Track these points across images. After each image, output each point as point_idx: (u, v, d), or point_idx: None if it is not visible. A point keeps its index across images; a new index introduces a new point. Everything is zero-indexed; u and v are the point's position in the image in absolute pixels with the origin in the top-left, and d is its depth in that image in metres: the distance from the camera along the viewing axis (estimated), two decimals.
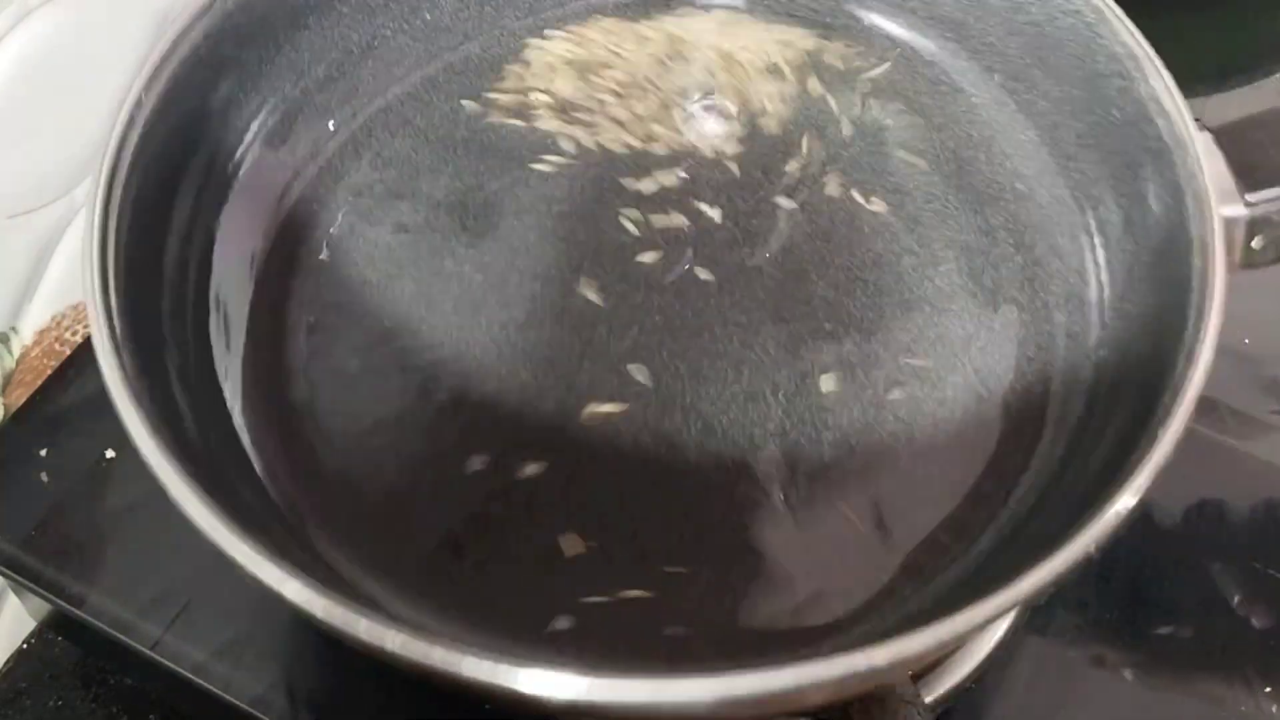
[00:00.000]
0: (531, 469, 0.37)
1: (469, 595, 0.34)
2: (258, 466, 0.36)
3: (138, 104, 0.36)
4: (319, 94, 0.44)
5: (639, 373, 0.39)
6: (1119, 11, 0.39)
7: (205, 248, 0.39)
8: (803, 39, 0.47)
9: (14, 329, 0.44)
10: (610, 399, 0.38)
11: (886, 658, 0.26)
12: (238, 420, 0.37)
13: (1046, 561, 0.28)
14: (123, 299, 0.33)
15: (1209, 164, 0.35)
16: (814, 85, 0.46)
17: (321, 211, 0.42)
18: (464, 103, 0.45)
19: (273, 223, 0.42)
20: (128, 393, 0.31)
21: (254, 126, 0.42)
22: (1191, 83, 0.55)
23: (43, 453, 0.41)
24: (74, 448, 0.41)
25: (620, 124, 0.45)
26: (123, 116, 0.36)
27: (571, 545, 0.35)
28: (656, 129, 0.45)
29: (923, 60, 0.46)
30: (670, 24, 0.47)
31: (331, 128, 0.44)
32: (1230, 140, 0.37)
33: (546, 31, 0.47)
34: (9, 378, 0.44)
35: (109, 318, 0.32)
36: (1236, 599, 0.40)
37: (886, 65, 0.46)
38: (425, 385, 0.38)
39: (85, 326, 0.46)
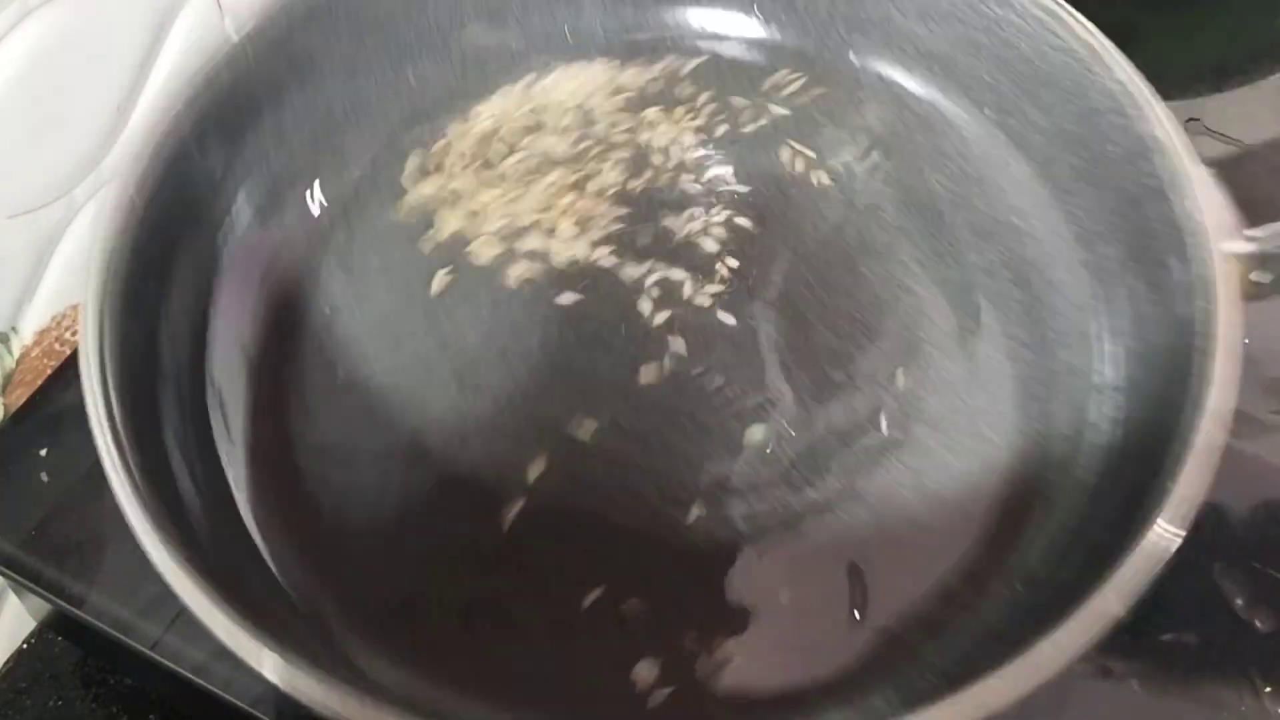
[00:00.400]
0: (540, 537, 0.36)
1: (485, 669, 0.34)
2: (264, 552, 0.36)
3: (135, 186, 0.36)
4: (302, 164, 0.43)
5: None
6: (1111, 46, 0.39)
7: (199, 332, 0.39)
8: (791, 79, 0.46)
9: (14, 329, 0.44)
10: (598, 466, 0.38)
11: None
12: (243, 507, 0.37)
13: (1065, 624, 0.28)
14: (122, 392, 0.33)
15: (1209, 200, 0.35)
16: (806, 125, 0.45)
17: (312, 286, 0.42)
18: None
19: (263, 300, 0.41)
20: (135, 497, 0.31)
21: (239, 201, 0.41)
22: (1191, 83, 0.55)
23: (43, 453, 0.41)
24: (74, 448, 0.41)
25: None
26: (116, 199, 0.35)
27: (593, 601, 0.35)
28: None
29: (913, 97, 0.45)
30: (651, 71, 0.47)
31: (316, 200, 0.43)
32: (1230, 174, 0.36)
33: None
34: (9, 378, 0.44)
35: (110, 415, 0.32)
36: (1239, 602, 0.40)
37: (876, 104, 0.45)
38: (428, 458, 0.38)
39: None
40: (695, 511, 0.37)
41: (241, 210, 0.41)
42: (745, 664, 0.35)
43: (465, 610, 0.35)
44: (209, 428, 0.38)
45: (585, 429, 0.38)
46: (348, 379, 0.40)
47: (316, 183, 0.43)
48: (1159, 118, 0.37)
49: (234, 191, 0.41)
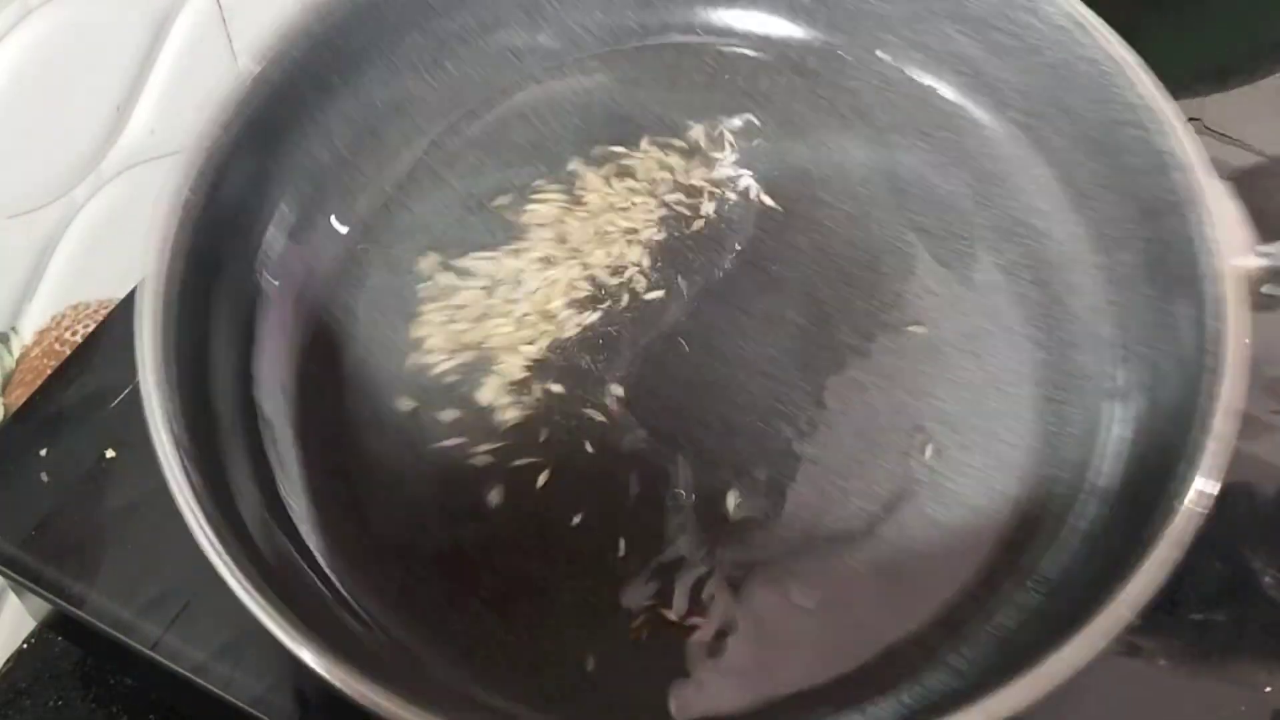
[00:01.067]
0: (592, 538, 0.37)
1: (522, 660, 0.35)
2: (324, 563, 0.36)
3: (187, 196, 0.36)
4: (342, 182, 0.43)
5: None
6: (1136, 61, 0.39)
7: (245, 353, 0.39)
8: (817, 75, 0.46)
9: (14, 329, 0.44)
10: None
11: None
12: (305, 531, 0.37)
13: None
14: (180, 405, 0.33)
15: (1225, 215, 0.36)
16: (832, 121, 0.45)
17: (353, 299, 0.42)
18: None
19: (306, 316, 0.41)
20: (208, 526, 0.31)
21: (278, 218, 0.41)
22: (1191, 83, 0.55)
23: (43, 453, 0.41)
24: (74, 448, 0.41)
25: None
26: (167, 213, 0.35)
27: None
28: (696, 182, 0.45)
29: (938, 97, 0.46)
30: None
31: (342, 223, 0.43)
32: (1246, 189, 0.37)
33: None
34: (9, 378, 0.44)
35: (172, 434, 0.32)
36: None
37: (903, 103, 0.46)
38: (480, 477, 0.38)
39: (85, 326, 0.46)
40: (732, 499, 0.37)
41: (283, 218, 0.41)
42: (763, 664, 0.35)
43: (503, 597, 0.36)
44: (265, 457, 0.38)
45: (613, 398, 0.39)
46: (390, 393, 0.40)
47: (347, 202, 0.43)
48: (1179, 134, 0.37)
49: (272, 207, 0.41)
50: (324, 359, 0.40)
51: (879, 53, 0.46)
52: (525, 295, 0.42)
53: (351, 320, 0.41)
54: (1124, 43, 0.39)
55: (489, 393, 0.40)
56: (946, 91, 0.45)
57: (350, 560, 0.36)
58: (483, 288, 0.42)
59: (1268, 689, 0.38)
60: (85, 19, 0.41)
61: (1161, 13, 0.58)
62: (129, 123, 0.45)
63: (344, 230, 0.43)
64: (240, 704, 0.36)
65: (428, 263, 0.42)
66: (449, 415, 0.39)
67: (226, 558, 0.30)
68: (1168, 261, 0.37)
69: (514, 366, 0.40)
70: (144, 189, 0.46)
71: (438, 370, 0.40)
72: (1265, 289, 0.36)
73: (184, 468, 0.31)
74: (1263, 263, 0.35)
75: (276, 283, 0.41)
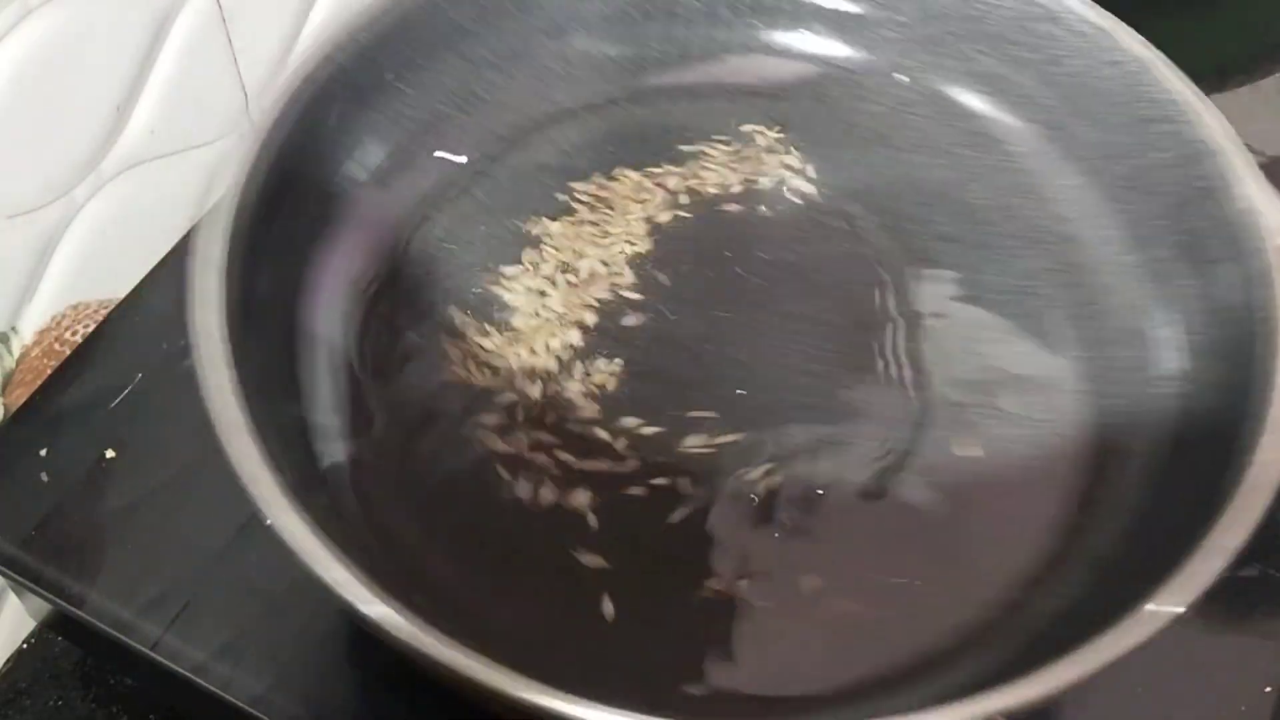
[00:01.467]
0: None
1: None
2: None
3: (273, 123, 0.37)
4: (430, 133, 0.43)
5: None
6: (1163, 57, 0.39)
7: (296, 285, 0.39)
8: (840, 94, 0.47)
9: (14, 329, 0.44)
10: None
11: None
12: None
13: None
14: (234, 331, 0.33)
15: (1262, 197, 0.36)
16: (857, 139, 0.46)
17: (424, 263, 0.42)
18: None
19: (376, 258, 0.41)
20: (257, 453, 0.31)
21: (359, 159, 0.42)
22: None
23: (43, 453, 0.41)
24: (74, 448, 0.41)
25: None
26: (245, 154, 0.36)
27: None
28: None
29: (963, 112, 0.46)
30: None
31: (440, 163, 0.43)
32: (1276, 172, 0.37)
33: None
34: (9, 378, 0.44)
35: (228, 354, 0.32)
36: None
37: (925, 119, 0.46)
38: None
39: (85, 326, 0.46)
40: (763, 476, 0.38)
41: (360, 170, 0.42)
42: (813, 643, 0.35)
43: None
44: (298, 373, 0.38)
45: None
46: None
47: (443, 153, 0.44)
48: (1211, 122, 0.38)
49: (354, 148, 0.41)
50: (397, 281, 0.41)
51: (897, 75, 0.46)
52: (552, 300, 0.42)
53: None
54: (1144, 40, 0.40)
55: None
56: (970, 106, 0.46)
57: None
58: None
59: (1267, 689, 0.38)
60: (85, 19, 0.41)
61: (1162, 13, 0.58)
62: (129, 123, 0.45)
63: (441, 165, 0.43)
64: (240, 704, 0.36)
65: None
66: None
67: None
68: (1205, 249, 0.38)
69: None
70: (144, 189, 0.47)
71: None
72: None
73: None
74: None
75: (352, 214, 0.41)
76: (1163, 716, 0.38)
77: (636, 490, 0.38)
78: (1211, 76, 0.55)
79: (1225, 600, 0.40)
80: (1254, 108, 0.54)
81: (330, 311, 0.40)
